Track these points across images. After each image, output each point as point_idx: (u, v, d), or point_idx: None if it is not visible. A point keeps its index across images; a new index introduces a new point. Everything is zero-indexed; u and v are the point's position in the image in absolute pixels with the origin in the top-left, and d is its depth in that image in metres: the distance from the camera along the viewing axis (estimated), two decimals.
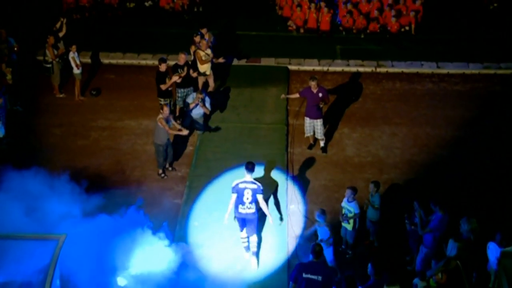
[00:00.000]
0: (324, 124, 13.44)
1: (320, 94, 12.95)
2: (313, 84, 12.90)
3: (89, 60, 16.91)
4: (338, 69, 16.91)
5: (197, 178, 12.64)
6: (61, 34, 15.59)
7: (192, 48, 14.99)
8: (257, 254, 10.65)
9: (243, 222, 10.46)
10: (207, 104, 13.71)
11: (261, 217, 10.72)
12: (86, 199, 10.26)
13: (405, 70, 16.84)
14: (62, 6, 19.18)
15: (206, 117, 14.08)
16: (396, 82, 16.44)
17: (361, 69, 16.89)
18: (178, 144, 13.51)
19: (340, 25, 18.68)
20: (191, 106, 13.52)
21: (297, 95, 13.67)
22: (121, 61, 17.14)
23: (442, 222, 9.73)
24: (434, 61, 17.09)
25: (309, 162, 13.27)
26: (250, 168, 10.31)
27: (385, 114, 15.04)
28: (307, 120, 13.20)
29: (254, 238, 10.53)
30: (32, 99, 15.16)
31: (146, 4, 20.34)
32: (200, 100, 13.44)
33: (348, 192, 10.50)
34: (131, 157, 13.35)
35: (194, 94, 13.64)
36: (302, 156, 13.46)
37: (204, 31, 15.37)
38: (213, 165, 12.93)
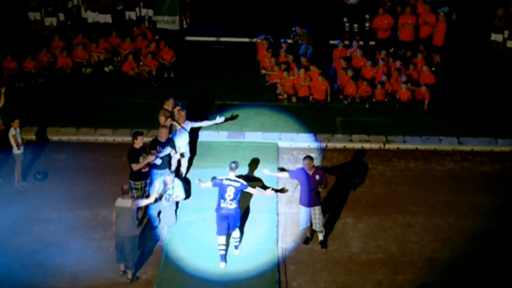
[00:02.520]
0: (324, 212, 13.52)
1: (317, 177, 13.11)
2: (307, 164, 13.07)
3: (33, 137, 17.10)
4: (339, 145, 17.21)
5: (167, 282, 12.50)
6: None
7: (164, 120, 15.26)
8: (237, 247, 13.09)
9: (225, 219, 12.67)
10: (180, 190, 13.80)
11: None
12: None
13: (420, 147, 17.19)
14: (1, 73, 19.60)
15: (178, 205, 14.14)
16: (409, 161, 16.73)
17: (366, 146, 17.20)
18: (143, 239, 13.45)
19: (338, 92, 19.14)
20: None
21: (285, 175, 13.71)
22: (74, 138, 17.34)
23: None
24: (455, 136, 17.48)
25: (305, 260, 13.23)
26: (234, 167, 12.75)
27: (398, 200, 15.20)
28: (303, 208, 13.29)
29: (236, 234, 13.00)
30: None
31: (106, 69, 20.88)
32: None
33: None
34: (84, 257, 13.23)
35: (166, 178, 13.73)
36: (296, 252, 13.44)
37: (168, 102, 15.70)
38: (186, 265, 12.84)
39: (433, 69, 19.77)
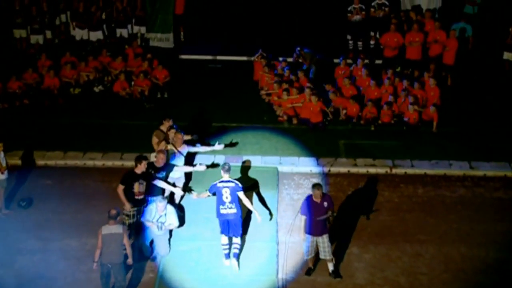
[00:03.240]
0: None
1: (326, 204, 13.12)
2: (317, 193, 13.04)
3: (18, 162, 17.08)
4: (343, 170, 17.22)
5: None
6: None
7: (157, 142, 15.22)
8: (238, 256, 13.44)
9: (226, 224, 13.24)
10: (173, 217, 13.75)
11: None
12: None
13: (429, 172, 17.19)
14: None
15: (171, 234, 14.08)
16: (418, 187, 16.71)
17: (372, 170, 17.21)
18: (134, 270, 13.38)
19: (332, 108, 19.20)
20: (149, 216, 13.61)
21: (302, 218, 13.25)
22: (61, 162, 17.33)
23: None
24: (466, 160, 17.49)
25: None
26: (227, 168, 13.35)
27: (406, 228, 15.16)
28: (309, 238, 13.25)
29: (237, 240, 13.44)
30: None
31: (96, 89, 20.94)
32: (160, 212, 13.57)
33: None
34: None
35: (158, 204, 13.69)
36: (298, 284, 13.37)
37: (167, 123, 15.74)
38: None
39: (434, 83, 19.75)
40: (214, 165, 16.28)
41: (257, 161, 17.30)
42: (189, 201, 15.20)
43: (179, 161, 15.20)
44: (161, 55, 22.39)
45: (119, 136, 18.29)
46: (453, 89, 20.61)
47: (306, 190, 16.20)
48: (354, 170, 17.20)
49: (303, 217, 13.16)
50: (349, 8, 22.78)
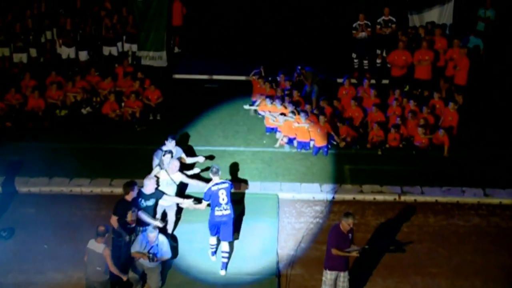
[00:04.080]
0: None
1: (350, 235, 13.14)
2: (350, 223, 12.92)
3: None
4: (348, 197, 17.20)
5: None
6: None
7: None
8: (226, 266, 14.20)
9: (218, 228, 14.14)
10: (166, 248, 13.68)
11: None
12: None
13: (441, 199, 17.17)
14: None
15: (163, 267, 14.01)
16: (428, 215, 16.68)
17: (379, 198, 17.19)
18: None
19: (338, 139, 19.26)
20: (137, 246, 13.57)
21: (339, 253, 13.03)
22: (45, 189, 17.28)
23: None
24: (480, 186, 17.47)
25: None
26: (215, 171, 14.27)
27: (416, 260, 15.10)
28: (328, 274, 13.05)
29: (226, 248, 14.25)
30: None
31: (83, 111, 20.94)
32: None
33: None
34: None
35: (149, 234, 13.64)
36: None
37: (170, 145, 15.78)
38: None
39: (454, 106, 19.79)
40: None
41: (256, 188, 17.28)
42: (183, 230, 15.13)
43: (171, 188, 15.14)
44: (154, 75, 22.43)
45: (108, 161, 18.26)
46: (465, 110, 20.62)
47: (308, 218, 16.21)
48: (360, 197, 17.18)
49: (335, 250, 12.90)
50: (354, 25, 22.92)
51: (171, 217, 15.35)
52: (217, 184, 14.20)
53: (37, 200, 16.90)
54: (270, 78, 21.17)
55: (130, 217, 13.69)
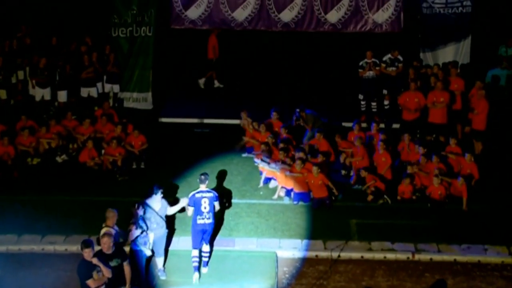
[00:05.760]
0: None
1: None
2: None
3: None
4: (355, 255, 17.10)
5: None
6: None
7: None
8: (207, 264, 16.11)
9: (201, 235, 15.79)
10: None
11: None
12: None
13: (460, 259, 17.06)
14: None
15: None
16: (446, 277, 16.56)
17: (390, 256, 17.08)
18: None
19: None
20: None
21: None
22: (14, 248, 17.16)
23: None
24: (505, 244, 17.38)
25: None
26: (203, 179, 16.02)
27: None
28: None
29: (207, 248, 16.06)
30: None
31: (59, 159, 20.95)
32: None
33: None
34: None
35: None
36: None
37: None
38: None
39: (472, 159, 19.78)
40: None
41: (252, 245, 17.23)
42: None
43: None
44: (138, 118, 22.51)
45: (86, 215, 18.14)
46: (485, 158, 20.63)
47: (310, 280, 16.12)
48: (369, 255, 17.10)
49: None
50: (360, 63, 23.06)
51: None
52: (201, 191, 15.90)
53: (3, 261, 16.66)
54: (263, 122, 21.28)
55: (96, 277, 13.53)
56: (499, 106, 21.98)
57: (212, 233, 16.18)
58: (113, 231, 14.63)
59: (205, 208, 15.77)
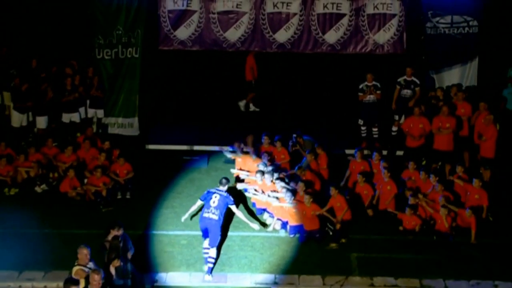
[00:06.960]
0: None
1: None
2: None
3: None
4: None
5: None
6: None
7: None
8: (211, 271, 16.79)
9: (206, 231, 16.98)
10: None
11: None
12: None
13: None
14: None
15: None
16: None
17: None
18: None
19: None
20: None
21: None
22: None
23: None
24: None
25: None
26: (224, 182, 17.68)
27: None
28: None
29: (212, 252, 16.94)
30: None
31: (38, 189, 20.94)
32: None
33: None
34: None
35: None
36: None
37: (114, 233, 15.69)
38: None
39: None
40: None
41: (246, 281, 17.18)
42: None
43: None
44: (123, 145, 22.49)
45: (67, 249, 17.97)
46: (495, 187, 20.65)
47: None
48: None
49: None
50: (360, 86, 23.11)
51: None
52: (217, 189, 17.57)
53: None
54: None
55: None
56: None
57: (218, 235, 17.17)
58: (86, 270, 14.55)
59: (214, 202, 17.18)
